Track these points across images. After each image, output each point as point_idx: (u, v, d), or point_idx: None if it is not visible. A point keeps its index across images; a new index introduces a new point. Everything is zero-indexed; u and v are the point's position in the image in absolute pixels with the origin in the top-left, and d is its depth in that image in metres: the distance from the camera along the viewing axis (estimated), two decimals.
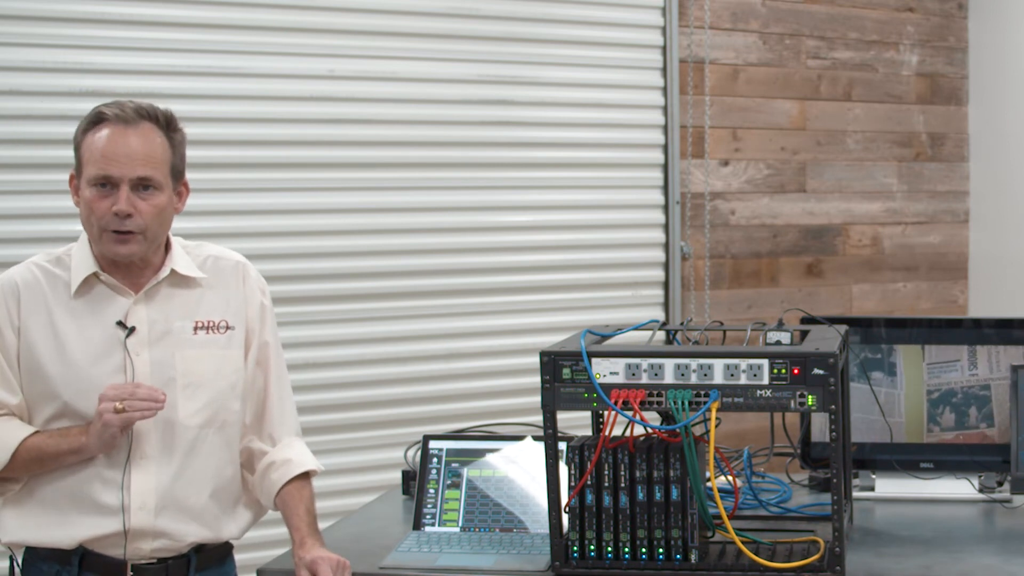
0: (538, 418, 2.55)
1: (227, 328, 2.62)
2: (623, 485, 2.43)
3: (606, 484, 2.44)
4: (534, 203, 4.75)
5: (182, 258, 2.61)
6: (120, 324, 2.53)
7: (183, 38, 4.13)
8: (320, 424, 4.23)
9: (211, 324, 2.60)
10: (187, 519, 2.54)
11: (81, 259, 2.56)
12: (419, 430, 3.56)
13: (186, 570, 2.56)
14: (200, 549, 2.58)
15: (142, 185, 2.49)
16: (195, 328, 2.58)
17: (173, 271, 2.58)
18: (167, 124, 2.55)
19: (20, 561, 2.58)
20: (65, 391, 2.49)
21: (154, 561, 2.53)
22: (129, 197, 2.47)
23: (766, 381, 2.37)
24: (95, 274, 2.54)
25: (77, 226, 4.16)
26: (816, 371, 2.36)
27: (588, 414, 2.67)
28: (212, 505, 2.58)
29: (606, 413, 2.44)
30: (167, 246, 2.61)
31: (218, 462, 2.59)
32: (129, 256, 2.51)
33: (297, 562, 2.48)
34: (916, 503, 2.99)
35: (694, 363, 2.39)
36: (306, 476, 2.65)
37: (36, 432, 2.50)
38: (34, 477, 2.52)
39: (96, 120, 2.51)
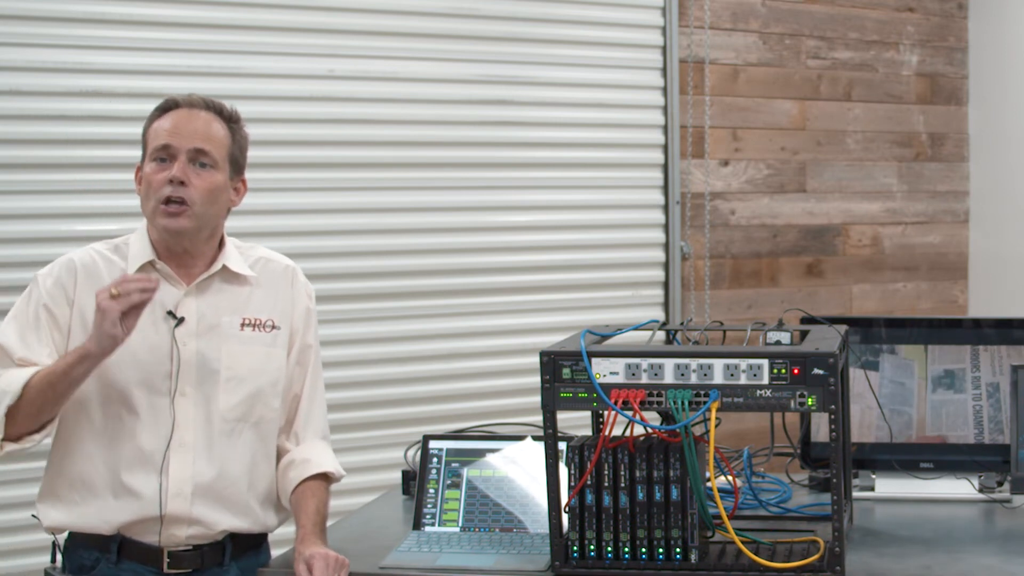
0: (538, 418, 2.54)
1: (273, 328, 2.68)
2: (623, 485, 2.43)
3: (606, 484, 2.43)
4: (534, 203, 4.75)
5: (234, 256, 2.68)
6: (170, 314, 2.59)
7: (183, 38, 4.13)
8: None
9: (258, 322, 2.67)
10: (221, 508, 2.60)
11: (139, 248, 2.63)
12: (419, 430, 3.56)
13: (221, 557, 2.63)
14: (235, 536, 2.64)
15: (199, 160, 2.58)
16: (242, 324, 2.65)
17: (225, 267, 2.66)
18: (230, 117, 2.66)
19: (62, 547, 2.64)
20: (110, 371, 2.53)
21: (189, 548, 2.59)
22: (184, 167, 2.56)
23: (766, 381, 2.37)
24: (151, 262, 2.61)
25: (78, 226, 4.17)
26: (816, 371, 2.36)
27: (588, 414, 2.67)
28: (248, 497, 2.64)
29: (606, 413, 2.44)
30: (221, 243, 2.68)
31: (253, 456, 2.65)
32: (179, 230, 2.58)
33: (296, 557, 2.50)
34: (916, 503, 2.98)
35: (694, 363, 2.39)
36: (324, 478, 2.69)
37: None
38: (69, 459, 2.55)
39: (165, 107, 2.63)
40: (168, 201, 2.55)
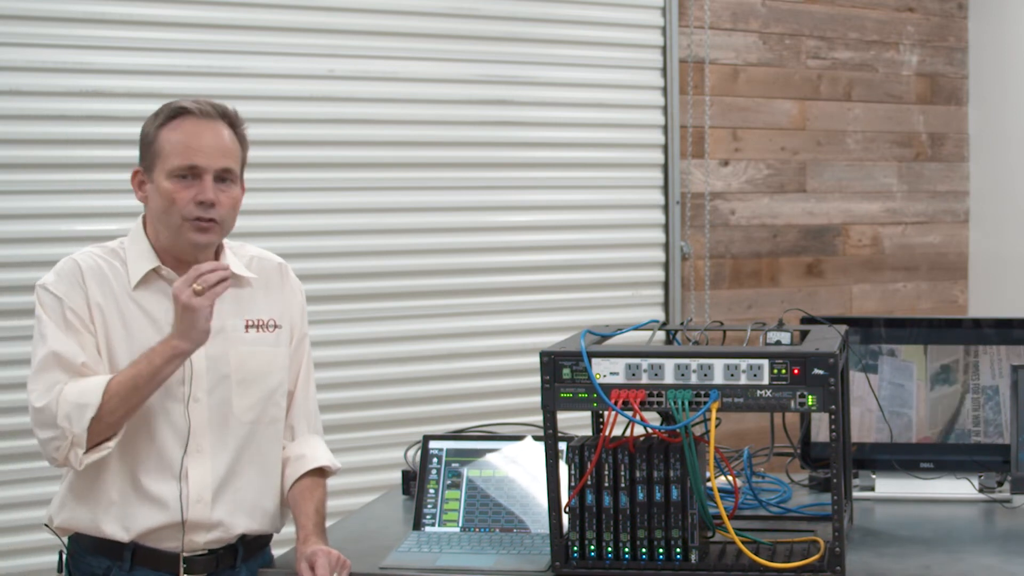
0: (538, 418, 2.54)
1: (275, 327, 2.68)
2: (623, 485, 2.43)
3: (606, 484, 2.43)
4: (534, 203, 4.75)
5: (232, 258, 2.67)
6: None
7: (183, 38, 4.13)
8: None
9: (260, 323, 2.67)
10: (241, 512, 2.60)
11: (139, 253, 2.59)
12: (419, 430, 3.56)
13: (233, 560, 2.62)
14: (245, 539, 2.64)
15: (222, 177, 2.55)
16: (247, 326, 2.65)
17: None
18: (237, 123, 2.62)
19: (67, 549, 2.60)
20: None
21: (205, 552, 2.58)
22: (211, 188, 2.53)
23: (766, 381, 2.37)
24: (156, 269, 2.58)
25: (78, 226, 4.15)
26: (816, 371, 2.36)
27: (588, 414, 2.67)
28: (264, 498, 2.65)
29: (606, 413, 2.44)
30: (219, 246, 2.66)
31: (269, 456, 2.65)
32: (207, 244, 2.57)
33: (298, 556, 2.51)
34: (916, 503, 2.99)
35: (694, 363, 2.39)
36: (321, 473, 2.70)
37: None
38: (88, 468, 2.49)
39: (175, 114, 2.56)
40: (196, 219, 2.53)
